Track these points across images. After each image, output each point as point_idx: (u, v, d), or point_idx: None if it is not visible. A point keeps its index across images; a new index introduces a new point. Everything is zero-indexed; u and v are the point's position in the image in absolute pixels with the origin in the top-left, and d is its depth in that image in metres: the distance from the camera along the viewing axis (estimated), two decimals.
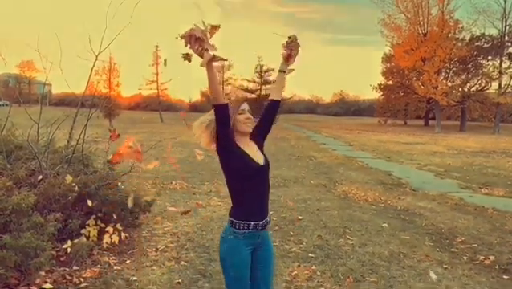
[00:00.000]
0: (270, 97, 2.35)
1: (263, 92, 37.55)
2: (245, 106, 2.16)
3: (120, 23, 4.48)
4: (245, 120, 2.12)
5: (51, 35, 4.64)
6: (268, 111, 2.31)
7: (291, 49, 2.23)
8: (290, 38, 2.22)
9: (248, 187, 2.07)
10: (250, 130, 2.15)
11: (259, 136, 2.24)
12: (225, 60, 1.96)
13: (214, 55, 1.85)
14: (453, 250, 4.51)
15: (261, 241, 2.13)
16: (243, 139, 2.13)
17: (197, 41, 1.82)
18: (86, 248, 3.62)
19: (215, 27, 1.84)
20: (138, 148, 2.72)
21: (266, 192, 2.15)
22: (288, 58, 2.25)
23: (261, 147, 2.22)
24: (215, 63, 1.88)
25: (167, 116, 38.44)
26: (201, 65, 1.87)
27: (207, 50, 1.84)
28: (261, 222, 2.09)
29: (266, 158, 2.17)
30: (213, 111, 2.02)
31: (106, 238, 3.90)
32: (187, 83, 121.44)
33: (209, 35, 1.84)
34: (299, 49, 2.25)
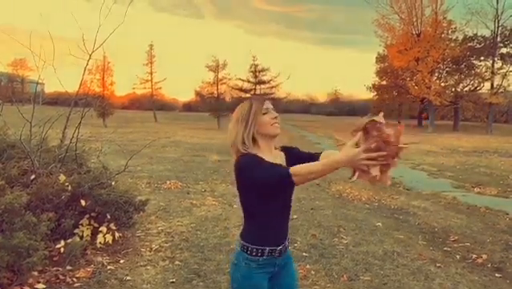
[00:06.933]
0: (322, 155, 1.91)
1: (258, 92, 37.48)
2: (268, 104, 1.81)
3: (114, 21, 4.46)
4: (272, 121, 1.78)
5: (44, 33, 4.61)
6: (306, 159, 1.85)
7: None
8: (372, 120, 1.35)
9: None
10: (279, 131, 1.82)
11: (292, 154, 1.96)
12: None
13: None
14: (446, 248, 4.54)
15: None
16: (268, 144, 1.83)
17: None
18: (79, 248, 3.60)
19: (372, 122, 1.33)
20: None
21: None
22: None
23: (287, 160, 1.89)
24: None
25: (161, 116, 38.32)
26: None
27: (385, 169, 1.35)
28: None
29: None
30: None
31: (99, 238, 3.88)
32: (181, 82, 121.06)
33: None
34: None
